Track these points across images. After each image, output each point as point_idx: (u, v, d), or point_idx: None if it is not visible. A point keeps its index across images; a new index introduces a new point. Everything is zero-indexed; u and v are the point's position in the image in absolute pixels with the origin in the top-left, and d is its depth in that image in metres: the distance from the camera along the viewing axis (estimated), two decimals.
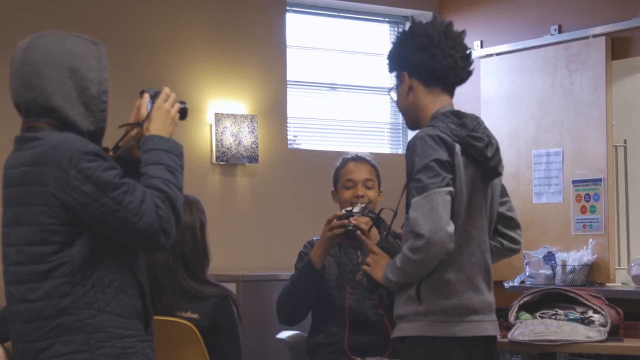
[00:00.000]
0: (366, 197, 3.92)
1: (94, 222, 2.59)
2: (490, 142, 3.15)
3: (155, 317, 3.10)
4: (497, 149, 3.18)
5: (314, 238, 4.00)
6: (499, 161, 3.19)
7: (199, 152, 6.16)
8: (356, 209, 3.74)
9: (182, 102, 2.85)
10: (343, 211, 3.78)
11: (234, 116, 6.21)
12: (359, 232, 3.64)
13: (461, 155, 3.08)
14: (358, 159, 4.02)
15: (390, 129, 7.25)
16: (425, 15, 7.13)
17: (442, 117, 3.15)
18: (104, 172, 2.57)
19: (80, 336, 2.59)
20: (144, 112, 2.79)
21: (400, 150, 7.18)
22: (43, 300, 2.59)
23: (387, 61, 3.31)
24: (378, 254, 3.22)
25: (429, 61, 3.17)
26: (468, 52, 3.24)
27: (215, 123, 6.15)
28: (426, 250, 2.95)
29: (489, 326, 3.17)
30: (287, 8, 6.66)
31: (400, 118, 7.21)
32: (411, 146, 3.08)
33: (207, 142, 6.19)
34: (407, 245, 3.01)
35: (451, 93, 3.25)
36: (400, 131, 7.25)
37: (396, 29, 7.27)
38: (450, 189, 3.01)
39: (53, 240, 2.59)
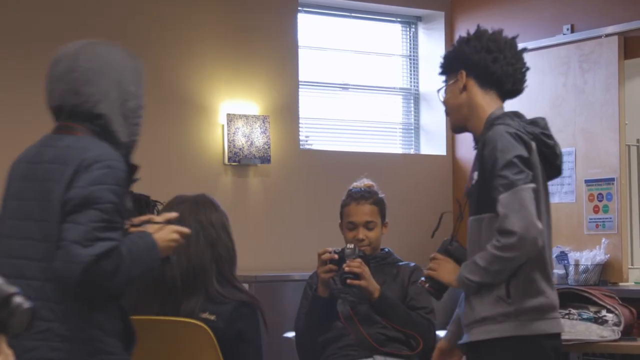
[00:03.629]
0: (367, 240, 4.03)
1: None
2: (556, 141, 3.19)
3: (169, 318, 3.08)
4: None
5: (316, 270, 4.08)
6: (562, 161, 3.22)
7: (211, 153, 6.17)
8: (348, 251, 3.86)
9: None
10: (333, 251, 3.88)
11: (246, 117, 6.21)
12: (349, 281, 3.81)
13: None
14: (361, 198, 4.08)
15: (402, 129, 7.24)
16: (437, 15, 7.13)
17: (512, 115, 3.17)
18: (106, 188, 2.57)
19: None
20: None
21: (412, 151, 7.17)
22: (39, 301, 2.55)
23: (442, 61, 3.31)
24: (440, 259, 3.19)
25: (491, 63, 3.19)
26: (526, 69, 3.27)
27: (227, 124, 6.16)
28: (519, 247, 2.93)
29: (561, 322, 3.20)
30: (299, 8, 6.66)
31: (412, 118, 7.21)
32: (491, 142, 3.06)
33: (219, 142, 6.19)
34: (494, 244, 2.97)
35: (503, 100, 3.27)
36: (412, 131, 7.23)
37: (408, 29, 7.26)
38: (534, 185, 3.01)
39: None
